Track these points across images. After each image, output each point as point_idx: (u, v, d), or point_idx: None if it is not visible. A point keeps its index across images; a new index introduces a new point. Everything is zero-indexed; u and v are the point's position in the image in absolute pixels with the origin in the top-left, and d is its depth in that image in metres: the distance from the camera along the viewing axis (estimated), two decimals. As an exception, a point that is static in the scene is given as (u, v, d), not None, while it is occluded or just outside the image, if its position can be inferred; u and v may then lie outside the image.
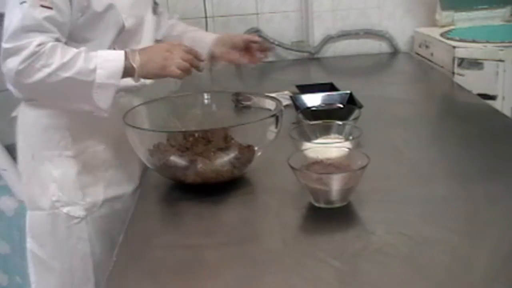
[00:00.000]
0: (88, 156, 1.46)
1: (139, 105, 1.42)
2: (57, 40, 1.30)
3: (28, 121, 1.45)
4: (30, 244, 1.51)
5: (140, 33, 1.50)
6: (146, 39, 1.52)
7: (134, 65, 1.33)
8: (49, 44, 1.26)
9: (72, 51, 1.29)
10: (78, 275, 1.48)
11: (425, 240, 1.05)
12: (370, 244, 1.04)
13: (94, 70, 1.29)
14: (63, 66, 1.27)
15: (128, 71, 1.34)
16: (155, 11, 1.60)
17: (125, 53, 1.34)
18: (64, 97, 1.34)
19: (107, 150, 1.48)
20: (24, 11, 1.25)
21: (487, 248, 1.02)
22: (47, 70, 1.26)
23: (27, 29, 1.25)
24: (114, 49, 1.38)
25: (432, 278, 0.93)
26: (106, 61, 1.31)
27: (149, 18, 1.54)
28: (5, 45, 1.26)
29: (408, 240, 1.05)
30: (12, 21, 1.26)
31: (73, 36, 1.37)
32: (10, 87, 1.38)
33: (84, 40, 1.37)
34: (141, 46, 1.45)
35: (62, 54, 1.27)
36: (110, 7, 1.37)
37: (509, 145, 1.46)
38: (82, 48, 1.31)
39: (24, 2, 1.26)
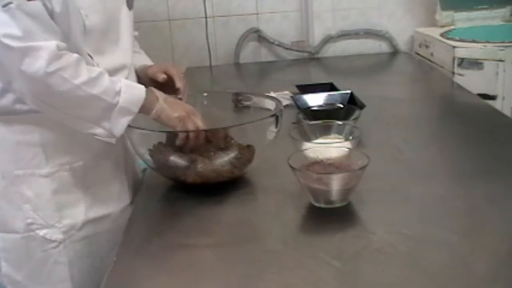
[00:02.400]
0: (64, 174, 1.32)
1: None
2: (63, 40, 1.21)
3: None
4: (5, 268, 1.39)
5: (115, 32, 1.37)
6: (124, 38, 1.39)
7: (160, 98, 1.27)
8: (75, 55, 1.20)
9: (95, 68, 1.24)
10: None
11: (425, 240, 1.05)
12: (370, 244, 1.04)
13: (119, 93, 1.23)
14: (92, 81, 1.20)
15: (148, 104, 1.27)
16: (130, 5, 1.44)
17: (146, 88, 1.28)
18: (80, 115, 1.24)
19: (87, 167, 1.34)
20: (15, 13, 1.14)
21: (487, 248, 1.02)
22: (75, 82, 1.18)
23: (31, 30, 1.15)
24: (89, 55, 1.27)
25: (432, 278, 0.93)
26: (129, 87, 1.26)
27: (124, 14, 1.40)
28: (16, 44, 1.14)
29: (408, 240, 1.05)
30: (11, 26, 1.14)
31: None
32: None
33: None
34: (120, 46, 1.36)
35: (89, 69, 1.21)
36: (65, 5, 1.22)
37: (509, 145, 1.46)
38: (103, 69, 1.25)
39: (10, 3, 1.14)
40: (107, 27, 1.33)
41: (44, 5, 1.18)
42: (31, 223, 1.33)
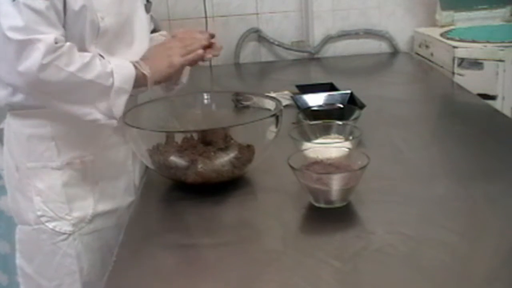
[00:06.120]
0: (75, 167, 1.36)
1: (138, 105, 1.42)
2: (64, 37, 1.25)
3: (12, 132, 1.37)
4: (19, 260, 1.44)
5: (129, 34, 1.40)
6: (138, 41, 1.42)
7: (145, 73, 1.32)
8: (67, 44, 1.22)
9: (87, 53, 1.26)
10: None
11: (425, 240, 1.05)
12: (370, 244, 1.04)
13: (111, 74, 1.26)
14: (85, 67, 1.22)
15: (139, 80, 1.31)
16: (147, 9, 1.48)
17: (133, 63, 1.32)
18: (78, 101, 1.26)
19: (97, 161, 1.38)
20: (21, 7, 1.18)
21: (487, 248, 1.02)
22: (69, 70, 1.20)
23: (34, 23, 1.18)
24: (100, 55, 1.29)
25: (432, 278, 0.93)
26: (119, 67, 1.28)
27: (140, 17, 1.44)
28: (17, 37, 1.17)
29: (408, 240, 1.05)
30: (16, 18, 1.18)
31: None
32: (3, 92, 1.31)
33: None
34: (133, 49, 1.39)
35: (81, 55, 1.23)
36: (84, 7, 1.26)
37: (509, 145, 1.46)
38: (94, 53, 1.27)
39: None
40: (120, 30, 1.37)
41: (53, 5, 1.22)
42: (41, 215, 1.36)
